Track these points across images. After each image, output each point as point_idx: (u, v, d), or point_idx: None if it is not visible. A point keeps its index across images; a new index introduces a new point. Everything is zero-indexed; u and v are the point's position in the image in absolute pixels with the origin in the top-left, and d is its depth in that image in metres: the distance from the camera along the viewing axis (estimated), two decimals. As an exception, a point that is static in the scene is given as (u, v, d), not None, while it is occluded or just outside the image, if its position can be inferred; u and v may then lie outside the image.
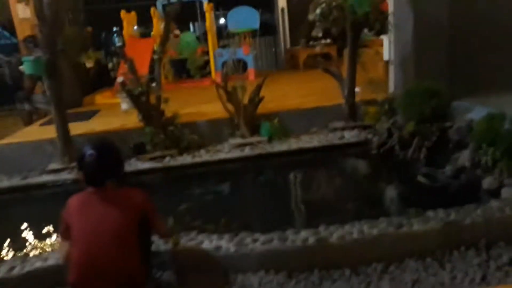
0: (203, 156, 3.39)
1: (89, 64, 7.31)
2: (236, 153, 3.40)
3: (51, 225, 2.61)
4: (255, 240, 1.93)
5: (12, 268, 1.99)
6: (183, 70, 6.13)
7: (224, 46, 7.50)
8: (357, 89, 4.22)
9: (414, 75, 3.58)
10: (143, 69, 6.04)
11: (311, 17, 3.10)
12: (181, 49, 7.37)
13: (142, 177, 3.23)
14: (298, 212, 2.66)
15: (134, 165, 3.31)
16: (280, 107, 3.89)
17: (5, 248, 2.48)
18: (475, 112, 3.07)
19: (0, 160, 3.47)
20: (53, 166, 3.34)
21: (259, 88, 3.52)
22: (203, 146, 3.51)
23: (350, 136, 3.52)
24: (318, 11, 3.04)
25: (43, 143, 3.48)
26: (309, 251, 1.87)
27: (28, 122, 5.17)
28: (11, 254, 2.42)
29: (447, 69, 3.58)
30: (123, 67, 5.85)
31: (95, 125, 3.90)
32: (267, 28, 8.30)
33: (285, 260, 1.87)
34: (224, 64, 7.06)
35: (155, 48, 4.44)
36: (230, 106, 3.53)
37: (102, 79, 8.28)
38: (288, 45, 8.31)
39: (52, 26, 3.08)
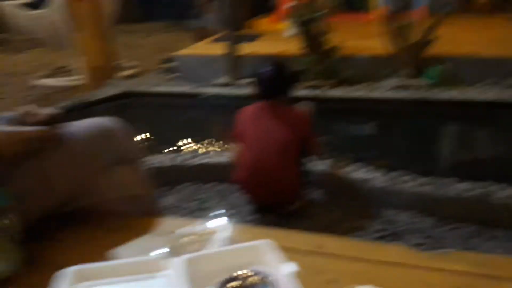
0: (357, 92, 3.35)
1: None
2: (392, 94, 3.27)
3: (213, 130, 2.97)
4: (411, 179, 1.92)
5: (185, 159, 2.33)
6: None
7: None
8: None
9: None
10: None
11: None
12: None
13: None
14: (456, 164, 2.51)
15: (290, 90, 3.45)
16: (450, 52, 3.55)
17: (178, 142, 2.90)
18: None
19: (178, 69, 3.97)
20: (221, 80, 3.67)
21: (431, 29, 3.24)
22: (358, 82, 3.46)
23: (531, 95, 3.09)
24: None
25: (214, 58, 3.82)
26: (469, 203, 1.80)
27: (199, 38, 5.68)
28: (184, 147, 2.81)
29: None
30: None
31: (259, 47, 4.10)
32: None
33: (439, 206, 1.84)
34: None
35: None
36: (394, 44, 3.35)
37: (262, 4, 8.49)
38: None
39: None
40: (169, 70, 4.54)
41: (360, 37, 4.18)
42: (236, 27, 4.82)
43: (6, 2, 4.49)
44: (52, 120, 0.99)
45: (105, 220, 1.04)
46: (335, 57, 3.42)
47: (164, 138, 2.97)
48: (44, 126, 0.96)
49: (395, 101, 3.24)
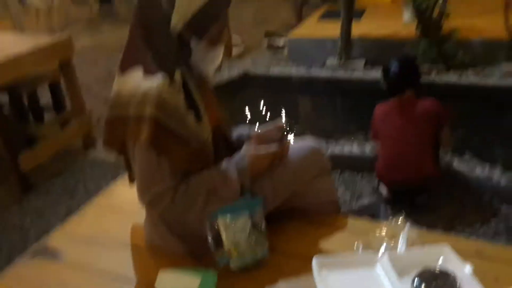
0: (470, 77, 3.43)
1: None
2: (508, 82, 3.32)
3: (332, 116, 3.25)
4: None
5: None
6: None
7: None
8: None
9: None
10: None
11: None
12: None
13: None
14: None
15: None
16: None
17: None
18: None
19: (290, 51, 4.27)
20: (331, 61, 3.92)
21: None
22: (472, 66, 3.52)
23: None
24: None
25: (326, 40, 4.05)
26: None
27: (299, 13, 5.85)
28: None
29: None
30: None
31: (369, 27, 4.20)
32: None
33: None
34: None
35: None
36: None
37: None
38: None
39: None
40: (274, 47, 4.85)
41: (478, 14, 4.11)
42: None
43: None
44: (281, 134, 1.37)
45: (313, 218, 1.45)
46: (452, 41, 3.49)
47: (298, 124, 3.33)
48: (277, 143, 1.35)
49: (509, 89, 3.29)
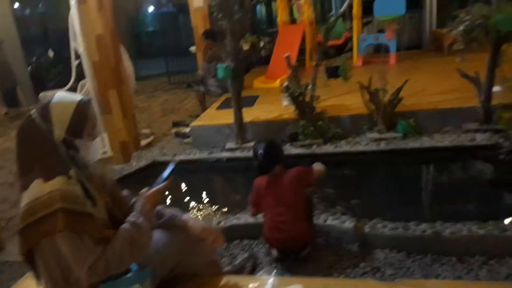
0: (344, 146, 4.11)
1: (246, 47, 8.42)
2: (373, 147, 4.03)
3: (232, 191, 3.70)
4: (384, 226, 2.64)
5: (219, 222, 3.04)
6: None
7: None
8: (497, 88, 4.42)
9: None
10: (293, 54, 6.91)
11: (454, 32, 3.47)
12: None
13: (294, 160, 4.13)
14: (420, 205, 3.24)
15: (288, 150, 4.20)
16: (417, 106, 4.35)
17: (204, 205, 3.62)
18: None
19: (193, 138, 4.74)
20: (230, 145, 4.43)
21: (398, 90, 4.04)
22: (344, 137, 4.23)
23: (480, 139, 3.84)
24: (461, 27, 3.40)
25: (223, 127, 4.59)
26: (426, 240, 2.51)
27: (202, 101, 6.49)
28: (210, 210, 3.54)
29: None
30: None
31: (259, 113, 4.87)
32: (413, 2, 8.11)
33: (406, 244, 2.55)
34: (366, 48, 7.55)
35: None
36: (370, 105, 4.13)
37: (253, 58, 9.41)
38: (434, 26, 8.25)
39: (236, 37, 4.05)
40: (180, 135, 5.32)
41: (344, 93, 4.99)
42: (239, 91, 5.59)
43: (49, 92, 5.32)
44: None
45: (196, 280, 1.76)
46: (324, 120, 4.20)
47: (196, 201, 3.70)
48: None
49: (374, 152, 3.99)
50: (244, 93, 5.99)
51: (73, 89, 5.43)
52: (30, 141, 1.52)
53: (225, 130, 4.56)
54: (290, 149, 4.22)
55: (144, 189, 1.77)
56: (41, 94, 5.59)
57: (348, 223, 2.74)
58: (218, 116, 5.06)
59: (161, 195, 1.71)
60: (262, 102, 5.50)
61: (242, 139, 4.38)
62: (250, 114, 4.77)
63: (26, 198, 1.46)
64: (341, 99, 4.92)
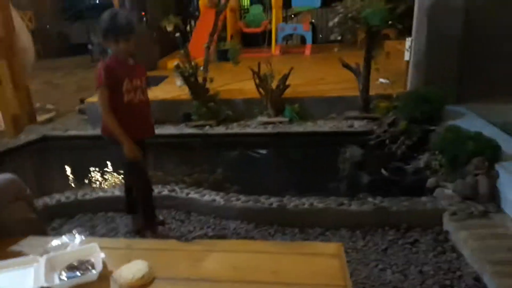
0: (234, 128, 4.27)
1: (169, 28, 8.33)
2: (260, 130, 4.22)
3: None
4: (238, 199, 2.81)
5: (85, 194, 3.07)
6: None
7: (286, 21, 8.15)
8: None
9: (425, 78, 4.07)
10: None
11: (330, 23, 3.70)
12: (249, 22, 8.15)
13: (186, 140, 4.23)
14: (284, 181, 3.46)
15: (181, 129, 4.29)
16: (306, 93, 4.59)
17: (84, 179, 3.62)
18: (463, 119, 3.57)
19: (90, 114, 4.68)
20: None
21: (285, 77, 4.24)
22: (236, 120, 4.38)
23: (358, 125, 4.15)
24: (336, 19, 3.63)
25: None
26: (272, 212, 2.71)
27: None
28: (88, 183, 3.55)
29: (457, 74, 4.01)
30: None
31: (159, 92, 4.89)
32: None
33: (255, 216, 2.73)
34: (284, 38, 7.77)
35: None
36: (261, 89, 4.31)
37: (173, 44, 9.33)
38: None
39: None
40: (83, 112, 5.22)
41: (243, 79, 5.13)
42: (150, 67, 5.58)
43: None
44: None
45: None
46: (216, 101, 4.32)
47: (77, 175, 3.70)
48: None
49: (261, 134, 4.19)
50: (156, 73, 6.03)
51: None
52: None
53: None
54: (183, 129, 4.31)
55: None
56: None
57: (207, 197, 2.88)
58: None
59: None
60: (170, 82, 5.51)
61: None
62: (150, 93, 4.76)
63: None
64: (240, 83, 5.06)
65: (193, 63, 4.12)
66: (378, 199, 2.74)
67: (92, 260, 1.63)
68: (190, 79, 4.14)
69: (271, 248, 1.71)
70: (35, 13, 10.32)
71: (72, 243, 1.76)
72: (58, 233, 2.75)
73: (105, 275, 1.58)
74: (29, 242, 1.81)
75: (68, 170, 3.86)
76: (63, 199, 3.01)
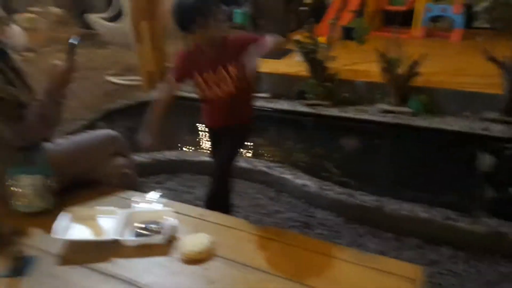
0: (349, 112, 4.01)
1: (308, 0, 8.14)
2: (378, 117, 3.89)
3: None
4: (331, 189, 2.65)
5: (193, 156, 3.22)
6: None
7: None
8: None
9: None
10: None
11: (476, 8, 3.15)
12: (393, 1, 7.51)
13: (297, 117, 4.13)
14: (388, 179, 3.14)
15: (294, 106, 4.20)
16: (439, 83, 4.05)
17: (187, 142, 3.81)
18: None
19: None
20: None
21: (416, 63, 3.80)
22: (353, 104, 4.11)
23: (496, 129, 3.54)
24: (484, 4, 3.07)
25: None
26: (366, 210, 2.49)
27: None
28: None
29: None
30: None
31: (280, 65, 4.83)
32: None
33: (346, 210, 2.55)
34: (432, 19, 6.98)
35: None
36: (386, 74, 3.95)
37: (317, 14, 9.08)
38: None
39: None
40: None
41: (369, 60, 4.76)
42: None
43: (93, 15, 5.75)
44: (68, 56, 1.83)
45: (101, 189, 1.97)
46: (334, 82, 4.10)
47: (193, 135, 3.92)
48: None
49: (378, 123, 3.86)
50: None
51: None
52: None
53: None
54: (296, 106, 4.21)
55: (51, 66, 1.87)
56: (86, 16, 6.06)
57: (300, 180, 2.77)
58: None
59: (66, 75, 1.80)
60: (293, 57, 5.41)
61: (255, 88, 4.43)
62: (272, 66, 4.75)
63: None
64: (365, 65, 4.69)
65: (315, 40, 3.94)
66: (494, 220, 2.31)
67: (164, 223, 1.68)
68: (309, 56, 3.99)
69: (338, 254, 1.55)
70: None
71: (154, 203, 1.85)
72: (161, 187, 2.96)
73: (171, 240, 1.62)
74: (120, 195, 1.96)
75: (186, 128, 4.10)
76: (172, 157, 3.21)
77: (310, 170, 3.03)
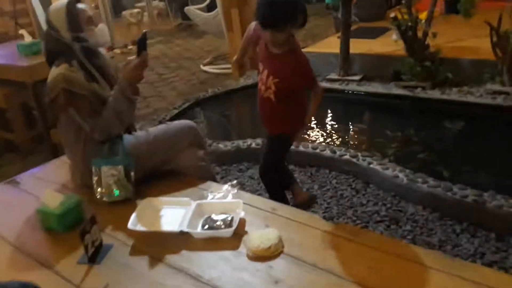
0: (452, 95, 3.58)
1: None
2: (487, 100, 3.42)
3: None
4: (425, 182, 2.38)
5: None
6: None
7: None
8: None
9: None
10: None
11: None
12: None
13: (392, 101, 3.82)
14: (493, 172, 2.70)
15: (389, 88, 3.89)
16: None
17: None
18: None
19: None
20: (332, 76, 4.32)
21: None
22: (457, 85, 3.67)
23: None
24: None
25: (329, 55, 4.46)
26: (465, 206, 2.19)
27: (336, 29, 6.25)
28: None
29: None
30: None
31: (375, 46, 4.53)
32: None
33: (442, 205, 2.27)
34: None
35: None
36: (498, 50, 3.44)
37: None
38: None
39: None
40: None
41: (476, 36, 4.20)
42: (376, 18, 5.21)
43: (191, 7, 6.02)
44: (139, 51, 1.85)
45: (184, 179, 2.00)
46: (434, 61, 3.69)
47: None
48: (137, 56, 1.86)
49: (486, 106, 3.40)
50: (380, 24, 5.58)
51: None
52: (49, 45, 1.91)
53: (332, 59, 4.41)
54: (391, 88, 3.89)
55: (125, 62, 1.95)
56: (185, 8, 6.25)
57: (390, 171, 2.55)
58: (333, 44, 4.88)
59: (137, 71, 1.84)
60: (389, 35, 5.03)
61: (345, 71, 4.21)
62: (366, 46, 4.48)
63: (48, 80, 1.88)
64: (472, 40, 4.16)
65: (414, 16, 3.58)
66: None
67: (233, 215, 1.65)
68: (407, 33, 3.63)
69: (423, 258, 1.37)
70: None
71: (230, 194, 1.83)
72: (242, 174, 2.95)
73: (239, 234, 1.58)
74: (198, 185, 1.97)
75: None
76: (254, 144, 3.18)
77: (403, 160, 2.77)
